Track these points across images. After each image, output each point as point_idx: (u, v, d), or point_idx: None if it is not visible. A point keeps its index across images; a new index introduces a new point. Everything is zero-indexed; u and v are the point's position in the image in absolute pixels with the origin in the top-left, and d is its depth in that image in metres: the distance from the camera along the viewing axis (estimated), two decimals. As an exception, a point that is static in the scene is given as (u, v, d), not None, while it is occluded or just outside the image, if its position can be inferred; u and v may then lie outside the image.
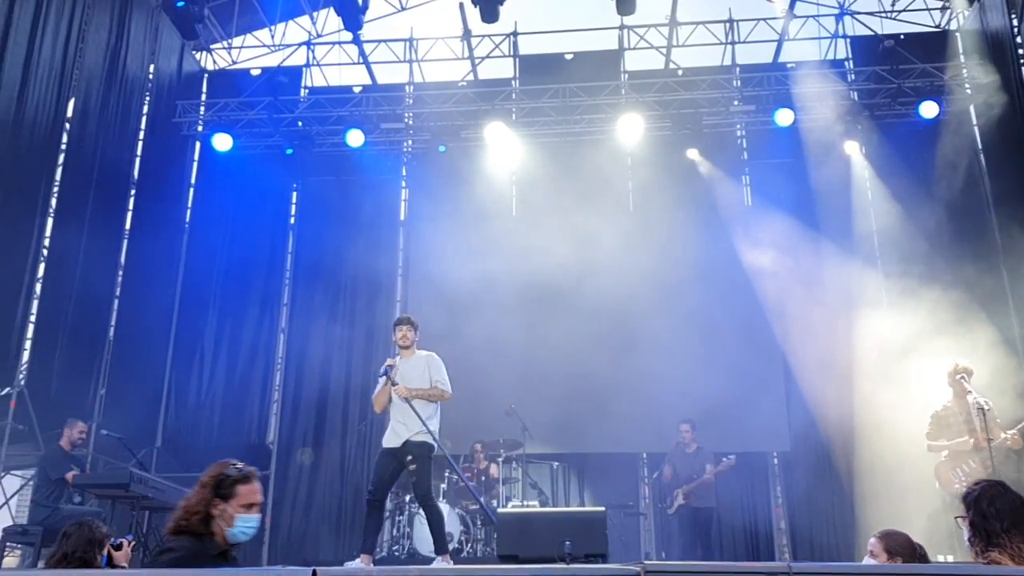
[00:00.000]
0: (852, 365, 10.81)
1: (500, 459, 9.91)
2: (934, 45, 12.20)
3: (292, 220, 13.39)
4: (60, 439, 8.28)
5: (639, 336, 11.25)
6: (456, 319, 11.10)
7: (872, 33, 12.62)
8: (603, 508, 5.82)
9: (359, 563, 6.44)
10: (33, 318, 9.88)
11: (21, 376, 9.61)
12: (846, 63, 12.63)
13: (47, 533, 7.53)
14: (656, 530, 11.19)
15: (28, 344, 9.80)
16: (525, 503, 9.72)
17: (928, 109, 11.48)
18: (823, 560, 10.52)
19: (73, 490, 7.97)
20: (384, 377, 6.86)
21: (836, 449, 10.93)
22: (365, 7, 11.56)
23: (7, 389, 9.45)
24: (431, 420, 6.74)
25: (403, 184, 13.44)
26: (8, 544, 7.85)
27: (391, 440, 6.79)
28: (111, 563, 4.63)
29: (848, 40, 12.75)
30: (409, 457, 6.65)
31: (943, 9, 12.64)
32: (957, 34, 12.34)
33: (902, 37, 12.23)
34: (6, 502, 9.65)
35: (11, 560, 8.39)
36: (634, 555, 10.18)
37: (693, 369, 11.02)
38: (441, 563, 6.31)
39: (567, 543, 5.00)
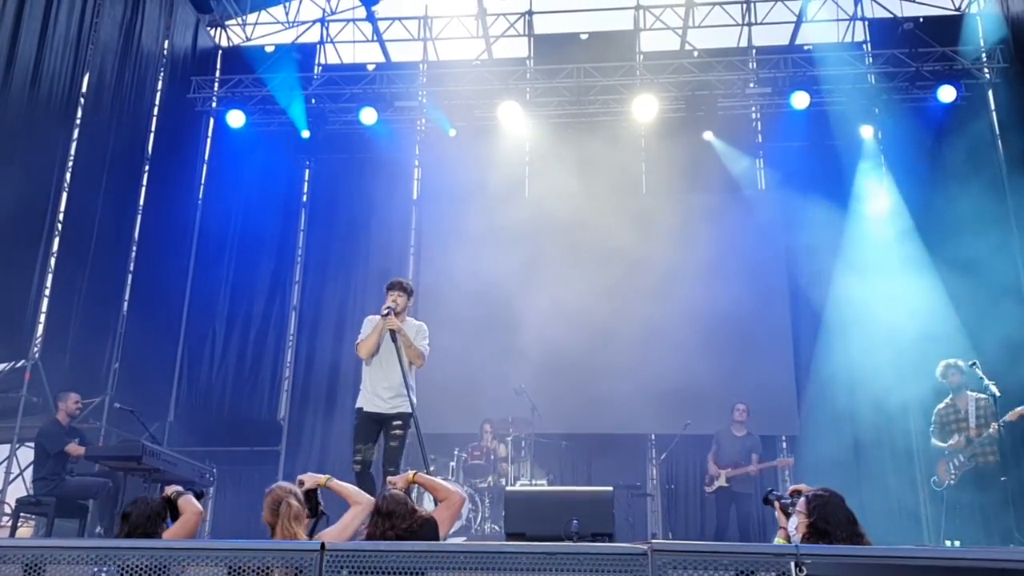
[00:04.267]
0: (864, 351, 10.78)
1: (509, 439, 9.96)
2: (953, 28, 12.04)
3: (304, 198, 13.40)
4: (57, 413, 8.19)
5: (649, 317, 11.24)
6: (467, 298, 11.13)
7: (891, 16, 12.48)
8: (610, 488, 5.85)
9: None
10: (47, 292, 9.94)
11: (35, 349, 9.69)
12: (864, 46, 12.50)
13: (59, 503, 7.60)
14: (663, 511, 11.22)
15: (42, 317, 9.87)
16: (533, 482, 9.77)
17: (946, 93, 11.35)
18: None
19: (74, 462, 7.99)
20: (387, 315, 6.31)
21: (845, 435, 10.92)
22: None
23: (22, 362, 9.56)
24: (403, 388, 6.25)
25: (416, 163, 13.42)
26: (22, 515, 7.93)
27: (375, 404, 6.38)
28: (177, 514, 4.64)
29: (866, 22, 12.60)
30: (398, 423, 6.29)
31: (963, -8, 12.52)
32: (977, 17, 12.19)
33: (921, 20, 12.09)
34: (20, 473, 9.77)
35: (25, 531, 8.48)
36: (641, 535, 10.22)
37: (703, 351, 10.99)
38: None
39: (574, 522, 5.04)
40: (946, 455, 8.11)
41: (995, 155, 11.49)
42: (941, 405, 8.33)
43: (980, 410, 7.94)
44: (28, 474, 9.94)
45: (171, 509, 4.65)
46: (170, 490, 4.76)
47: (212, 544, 3.13)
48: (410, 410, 6.26)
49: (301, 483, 4.66)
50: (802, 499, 4.12)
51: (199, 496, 4.85)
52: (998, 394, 7.86)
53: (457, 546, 2.85)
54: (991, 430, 7.76)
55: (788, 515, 4.51)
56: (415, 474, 4.90)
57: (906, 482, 10.71)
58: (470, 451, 9.93)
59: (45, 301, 9.91)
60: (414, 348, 6.38)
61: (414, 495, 5.11)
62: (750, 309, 11.33)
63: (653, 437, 11.71)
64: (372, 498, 4.66)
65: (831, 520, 3.86)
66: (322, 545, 2.77)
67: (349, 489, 4.79)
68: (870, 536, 3.92)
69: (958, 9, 12.49)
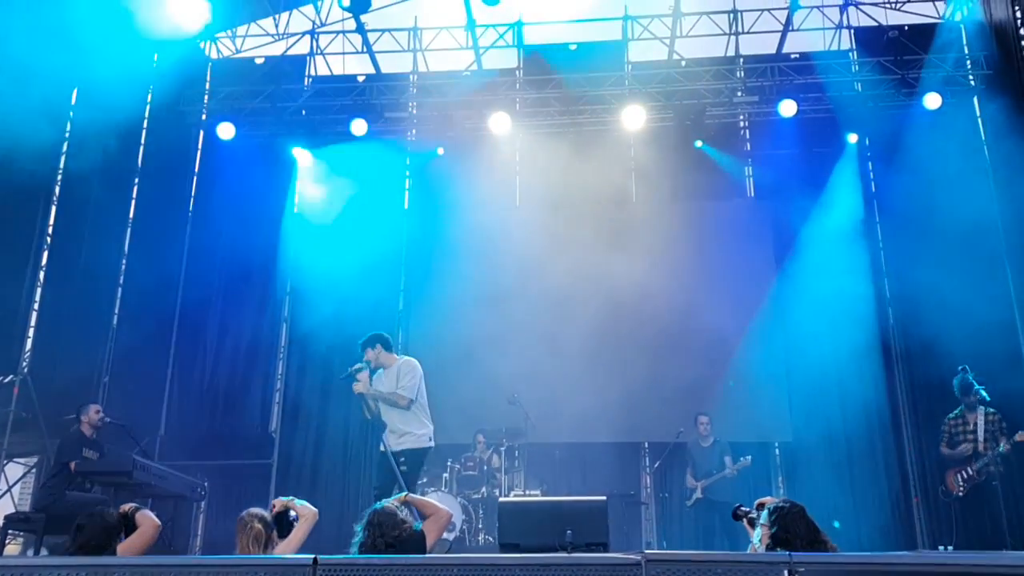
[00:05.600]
0: (854, 357, 10.82)
1: (502, 448, 9.94)
2: (938, 36, 12.13)
3: (296, 209, 13.35)
4: (80, 425, 8.07)
5: (640, 326, 11.28)
6: (459, 309, 11.14)
7: (876, 24, 12.55)
8: (604, 497, 5.83)
9: None
10: (36, 305, 9.90)
11: (24, 364, 9.64)
12: (850, 54, 12.55)
13: (50, 520, 7.48)
14: (658, 519, 11.21)
15: (31, 332, 9.82)
16: (527, 492, 9.76)
17: (931, 100, 11.43)
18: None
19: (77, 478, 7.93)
20: (347, 379, 7.14)
21: (838, 441, 10.94)
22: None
23: (11, 377, 9.50)
24: (407, 425, 6.99)
25: (406, 173, 13.42)
26: (10, 532, 7.85)
27: (387, 444, 7.09)
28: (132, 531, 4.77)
29: (852, 31, 12.66)
30: (403, 458, 6.92)
31: (947, 0, 12.59)
32: (961, 25, 12.28)
33: (906, 28, 12.16)
34: (8, 490, 9.71)
35: (13, 548, 8.41)
36: (636, 544, 10.21)
37: (694, 359, 11.05)
38: None
39: (568, 532, 5.02)
40: (956, 465, 8.25)
41: (982, 161, 11.53)
42: (952, 415, 8.55)
43: (989, 424, 8.13)
44: (16, 490, 9.90)
45: (127, 526, 4.77)
46: (126, 506, 4.93)
47: (204, 560, 3.11)
48: (412, 446, 6.97)
49: (273, 507, 5.14)
50: (765, 511, 4.27)
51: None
52: (988, 398, 8.02)
53: (450, 558, 2.85)
54: (1002, 448, 7.88)
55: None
56: (406, 495, 5.37)
57: (899, 487, 10.74)
58: (463, 462, 9.91)
59: (34, 315, 9.86)
60: (392, 397, 7.02)
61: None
62: (740, 316, 11.36)
63: (647, 445, 11.71)
64: (316, 510, 5.26)
65: (791, 529, 4.02)
66: (314, 560, 2.76)
67: (298, 505, 5.23)
68: (866, 541, 3.98)
69: (942, 17, 12.58)
